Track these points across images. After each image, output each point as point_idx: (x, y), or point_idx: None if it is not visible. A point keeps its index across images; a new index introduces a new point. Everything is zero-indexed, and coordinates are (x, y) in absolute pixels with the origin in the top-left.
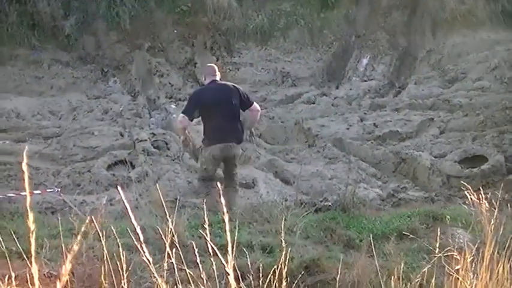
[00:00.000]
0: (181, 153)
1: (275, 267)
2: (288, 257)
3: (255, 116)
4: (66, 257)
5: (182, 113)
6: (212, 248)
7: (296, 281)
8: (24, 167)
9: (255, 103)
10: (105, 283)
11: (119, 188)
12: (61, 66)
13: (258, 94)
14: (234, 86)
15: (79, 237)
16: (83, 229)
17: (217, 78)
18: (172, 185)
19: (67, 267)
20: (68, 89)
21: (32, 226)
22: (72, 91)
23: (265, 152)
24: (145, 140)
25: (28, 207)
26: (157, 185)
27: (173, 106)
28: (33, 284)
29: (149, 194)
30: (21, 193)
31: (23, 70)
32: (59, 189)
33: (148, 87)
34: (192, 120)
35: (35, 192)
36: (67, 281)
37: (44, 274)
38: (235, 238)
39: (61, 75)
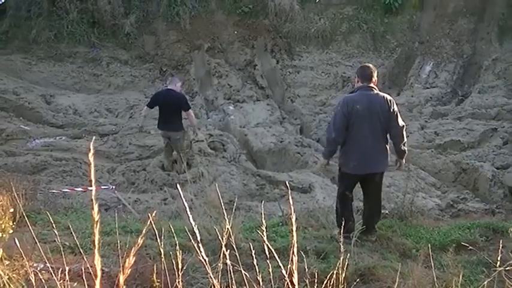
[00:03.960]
0: (238, 154)
1: (330, 273)
2: (343, 264)
3: None
4: (122, 255)
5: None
6: (269, 250)
7: None
8: (91, 158)
9: None
10: (157, 281)
11: (178, 186)
12: (119, 65)
13: (317, 98)
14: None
15: (140, 237)
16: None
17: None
18: (227, 187)
19: (128, 264)
20: (126, 87)
21: (96, 217)
22: (129, 89)
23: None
24: (202, 141)
25: (93, 199)
26: (212, 186)
27: (231, 107)
28: (88, 278)
29: (204, 194)
30: (76, 189)
31: (82, 67)
32: (114, 187)
33: (206, 87)
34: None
35: (90, 188)
36: (116, 276)
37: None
38: (293, 242)
39: (119, 74)
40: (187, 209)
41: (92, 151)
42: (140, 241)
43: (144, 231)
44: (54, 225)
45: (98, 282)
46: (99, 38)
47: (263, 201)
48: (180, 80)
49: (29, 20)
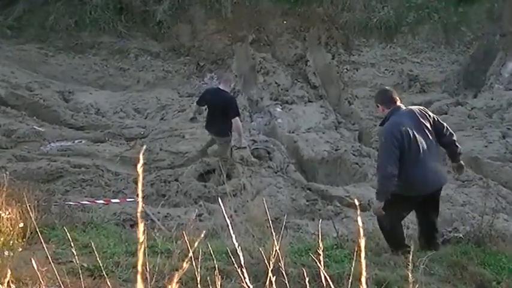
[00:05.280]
0: (285, 164)
1: None
2: None
3: None
4: (151, 278)
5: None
6: (325, 278)
7: None
8: (139, 170)
9: None
10: None
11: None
12: (150, 58)
13: None
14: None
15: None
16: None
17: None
18: (273, 202)
19: None
20: (157, 84)
21: (141, 237)
22: (161, 87)
23: None
24: (245, 148)
25: (139, 216)
26: (256, 200)
27: (278, 109)
28: None
29: (246, 210)
30: (97, 201)
31: (106, 60)
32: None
33: (250, 86)
34: None
35: (113, 201)
36: None
37: None
38: (350, 269)
39: (149, 68)
40: (230, 227)
41: (141, 162)
42: (185, 265)
43: (176, 252)
44: (71, 243)
45: None
46: (127, 27)
47: (315, 220)
48: (233, 81)
49: (46, 5)
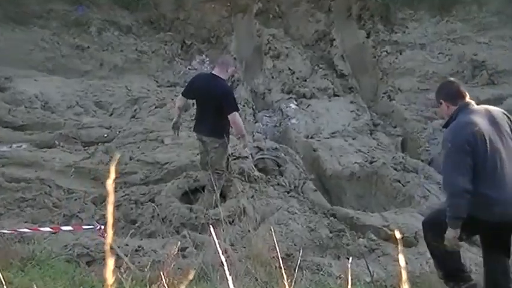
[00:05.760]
0: (301, 181)
1: None
2: None
3: None
4: None
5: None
6: None
7: None
8: (109, 187)
9: None
10: None
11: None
12: (118, 33)
13: (430, 94)
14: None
15: None
16: None
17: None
18: (284, 232)
19: None
20: (127, 69)
21: (110, 279)
22: (133, 73)
23: (437, 188)
24: (246, 157)
25: (107, 250)
26: (260, 230)
27: (293, 106)
28: None
29: (247, 243)
30: (41, 228)
31: (58, 35)
32: (102, 226)
33: (254, 73)
34: None
35: (64, 228)
36: None
37: None
38: None
39: (117, 47)
40: (225, 266)
41: (111, 176)
42: None
43: None
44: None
45: None
46: None
47: (341, 258)
48: (232, 65)
49: None
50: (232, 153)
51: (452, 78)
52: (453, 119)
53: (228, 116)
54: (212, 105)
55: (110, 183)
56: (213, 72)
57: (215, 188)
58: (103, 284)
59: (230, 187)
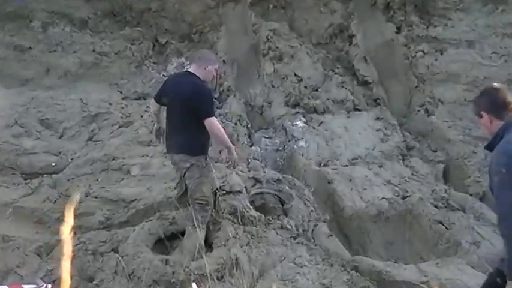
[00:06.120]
0: (312, 223)
1: None
2: None
3: None
4: None
5: None
6: None
7: None
8: None
9: None
10: None
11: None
12: (70, 29)
13: None
14: None
15: None
16: None
17: None
18: None
19: None
20: (83, 76)
21: None
22: (90, 81)
23: (492, 232)
24: (238, 192)
25: None
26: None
27: (300, 123)
28: None
29: None
30: None
31: None
32: (49, 286)
33: (250, 80)
34: None
35: None
36: None
37: None
38: None
39: (69, 48)
40: None
41: (68, 221)
42: None
43: None
44: None
45: None
46: None
47: None
48: (213, 62)
49: None
50: (220, 187)
51: (497, 84)
52: (499, 137)
53: (204, 122)
54: (182, 110)
55: (65, 231)
56: (189, 69)
57: (198, 231)
58: None
59: (218, 231)
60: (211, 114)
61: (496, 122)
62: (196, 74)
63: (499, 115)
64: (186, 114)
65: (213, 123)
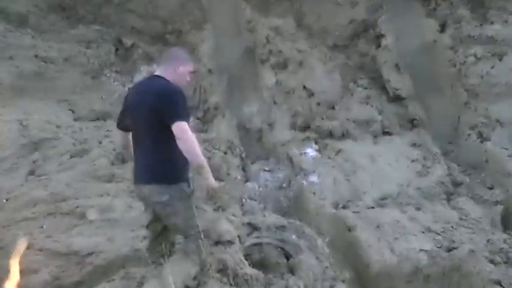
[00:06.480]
0: (328, 282)
1: None
2: None
3: None
4: None
5: None
6: None
7: None
8: None
9: None
10: None
11: None
12: (3, 27)
13: None
14: None
15: None
16: None
17: None
18: None
19: None
20: (22, 89)
21: None
22: (32, 96)
23: None
24: (229, 243)
25: None
26: None
27: (312, 152)
28: None
29: None
30: None
31: None
32: None
33: (244, 95)
34: None
35: None
36: None
37: None
38: None
39: (4, 53)
40: None
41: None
42: None
43: None
44: None
45: None
46: None
47: None
48: (186, 62)
49: None
50: (205, 235)
51: None
52: None
53: (172, 128)
54: (148, 124)
55: None
56: (156, 73)
57: (191, 253)
58: None
59: None
60: (181, 118)
61: None
62: (164, 77)
63: None
64: (155, 127)
65: (183, 129)
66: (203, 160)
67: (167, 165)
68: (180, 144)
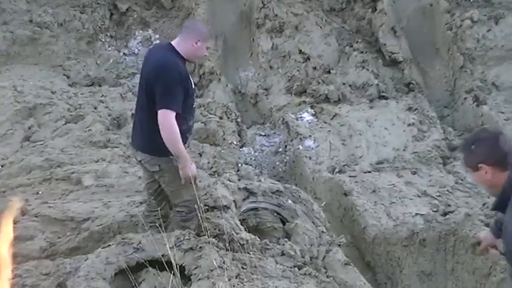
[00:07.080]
0: (324, 248)
1: None
2: None
3: None
4: None
5: None
6: None
7: None
8: None
9: None
10: None
11: None
12: None
13: None
14: None
15: None
16: None
17: None
18: None
19: None
20: (17, 55)
21: None
22: (26, 62)
23: None
24: (225, 208)
25: None
26: None
27: (308, 116)
28: None
29: None
30: None
31: None
32: None
33: (240, 59)
34: None
35: None
36: None
37: None
38: None
39: (2, 13)
40: None
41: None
42: None
43: None
44: None
45: None
46: None
47: None
48: (205, 37)
49: None
50: (206, 206)
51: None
52: (505, 197)
53: (158, 112)
54: (144, 96)
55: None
56: (171, 42)
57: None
58: None
59: (199, 260)
60: (168, 106)
61: (497, 174)
62: (178, 50)
63: (503, 166)
64: (151, 101)
65: (166, 117)
66: (181, 149)
67: (159, 138)
68: (162, 131)
